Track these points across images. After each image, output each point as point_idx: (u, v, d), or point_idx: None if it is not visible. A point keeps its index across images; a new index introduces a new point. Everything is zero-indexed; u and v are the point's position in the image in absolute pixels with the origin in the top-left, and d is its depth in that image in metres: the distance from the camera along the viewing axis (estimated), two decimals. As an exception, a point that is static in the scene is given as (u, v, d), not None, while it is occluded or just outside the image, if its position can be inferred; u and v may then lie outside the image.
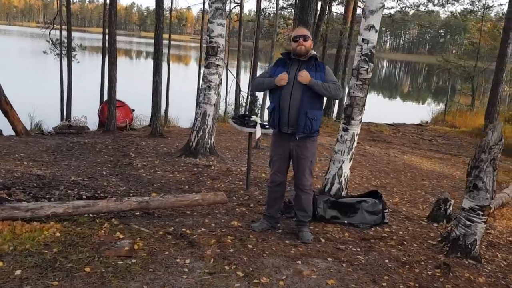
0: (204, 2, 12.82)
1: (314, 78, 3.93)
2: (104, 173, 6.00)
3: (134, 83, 21.67)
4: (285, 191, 4.43)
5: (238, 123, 5.54)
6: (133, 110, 12.33)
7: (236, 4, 15.03)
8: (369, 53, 5.18)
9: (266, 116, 13.05)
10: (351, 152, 5.43)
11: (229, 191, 5.61)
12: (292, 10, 15.74)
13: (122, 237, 3.70)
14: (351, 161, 5.53)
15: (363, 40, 5.16)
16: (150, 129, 9.73)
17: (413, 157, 10.75)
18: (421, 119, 19.39)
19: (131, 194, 5.05)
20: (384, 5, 5.21)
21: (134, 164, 6.62)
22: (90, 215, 4.05)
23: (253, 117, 5.65)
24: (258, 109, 14.89)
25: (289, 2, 16.10)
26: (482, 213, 4.33)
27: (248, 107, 14.71)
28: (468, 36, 21.53)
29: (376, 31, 5.15)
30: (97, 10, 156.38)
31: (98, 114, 12.11)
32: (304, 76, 3.90)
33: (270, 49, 10.26)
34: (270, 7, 17.44)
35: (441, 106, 23.35)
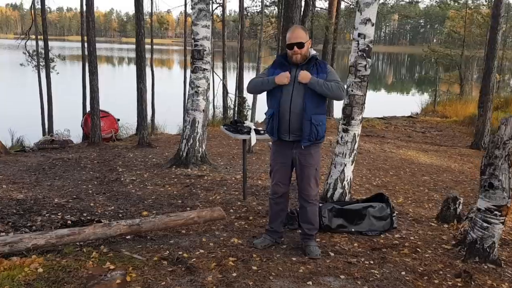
0: (185, 4, 12.42)
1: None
2: (90, 192, 5.60)
3: (117, 91, 21.18)
4: (288, 202, 4.09)
5: (231, 130, 5.19)
6: (118, 119, 11.89)
7: (218, 5, 14.68)
8: (367, 48, 4.87)
9: (257, 118, 12.74)
10: (353, 154, 5.12)
11: (225, 203, 5.26)
12: (275, 8, 15.45)
13: (113, 267, 3.33)
14: (354, 163, 5.21)
15: (359, 35, 4.85)
16: (137, 139, 9.32)
17: (409, 151, 10.50)
18: (411, 111, 19.20)
19: (120, 215, 4.67)
20: (379, -3, 4.90)
21: (122, 179, 6.23)
22: (77, 243, 3.67)
23: (246, 123, 5.30)
24: (247, 111, 14.54)
25: (272, 0, 15.80)
26: (499, 214, 4.04)
27: (236, 109, 14.35)
28: (451, 25, 21.41)
29: (373, 25, 4.84)
30: (75, 18, 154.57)
31: (81, 126, 11.65)
32: (304, 74, 3.56)
33: (257, 48, 9.91)
34: (252, 6, 17.11)
35: (428, 96, 23.30)
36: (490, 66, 11.23)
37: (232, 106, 14.35)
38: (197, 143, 6.83)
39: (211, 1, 6.87)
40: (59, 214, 4.62)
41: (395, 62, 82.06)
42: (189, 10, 13.66)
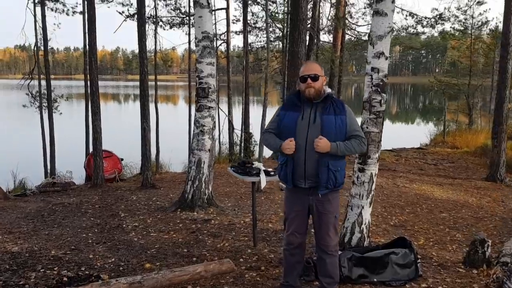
0: (189, 41, 12.40)
1: (334, 124, 3.29)
2: (90, 241, 5.24)
3: (122, 128, 21.06)
4: (304, 253, 3.71)
5: (239, 172, 4.87)
6: (122, 159, 11.64)
7: (223, 41, 14.64)
8: (381, 83, 4.59)
9: (265, 153, 12.43)
10: (370, 195, 4.77)
11: (235, 251, 4.87)
12: (279, 43, 15.42)
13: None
14: (372, 205, 4.85)
15: (372, 69, 4.58)
16: (141, 179, 9.00)
17: (423, 186, 10.10)
18: (420, 142, 18.85)
19: (121, 268, 4.30)
20: (392, 29, 4.66)
21: (124, 225, 5.88)
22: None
23: (256, 164, 4.98)
24: (254, 146, 14.27)
25: (276, 35, 15.81)
26: (540, 261, 3.64)
27: (243, 145, 14.10)
28: (457, 55, 21.38)
29: (387, 58, 4.58)
30: (82, 57, 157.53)
31: (84, 167, 11.39)
32: (323, 145, 3.22)
33: (264, 84, 9.72)
34: (256, 42, 17.16)
35: (433, 125, 23.01)
36: (502, 95, 10.96)
37: (238, 142, 14.10)
38: (203, 185, 6.50)
39: (215, 38, 6.72)
40: (55, 269, 4.26)
41: (398, 92, 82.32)
42: (193, 47, 13.65)
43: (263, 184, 4.71)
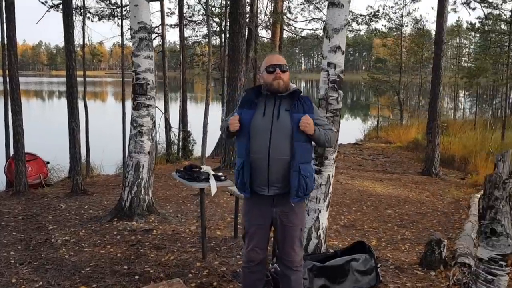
0: (122, 34, 11.54)
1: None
2: (12, 261, 4.53)
3: (46, 128, 19.56)
4: (265, 269, 3.33)
5: (186, 178, 4.40)
6: (48, 162, 10.61)
7: (157, 35, 13.87)
8: (338, 79, 4.32)
9: (207, 153, 11.89)
10: (327, 198, 4.49)
11: (182, 265, 4.40)
12: (217, 38, 14.93)
13: None
14: (329, 208, 4.58)
15: (329, 64, 4.29)
16: (70, 185, 8.19)
17: (365, 182, 10.14)
18: (356, 138, 19.22)
19: (51, 294, 3.69)
20: (349, 22, 4.40)
21: (52, 240, 5.18)
22: None
23: (204, 167, 4.54)
24: (192, 145, 13.72)
25: (213, 30, 15.29)
26: (505, 264, 3.52)
27: (181, 144, 13.50)
28: (388, 53, 22.06)
29: (343, 53, 4.31)
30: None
31: (4, 172, 10.24)
32: (311, 124, 2.89)
33: (201, 80, 9.23)
34: (193, 36, 16.54)
35: (361, 120, 23.74)
36: (436, 92, 11.25)
37: (176, 141, 13.47)
38: (142, 191, 5.93)
39: (152, 30, 6.20)
40: (-33, 301, 3.56)
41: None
42: (126, 40, 12.81)
43: (213, 191, 4.28)
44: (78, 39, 13.49)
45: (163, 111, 13.20)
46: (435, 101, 11.30)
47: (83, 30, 12.60)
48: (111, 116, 21.45)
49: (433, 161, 11.45)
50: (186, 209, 6.77)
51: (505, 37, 14.42)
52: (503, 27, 15.30)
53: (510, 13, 14.29)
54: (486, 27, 15.06)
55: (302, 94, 3.04)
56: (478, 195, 8.79)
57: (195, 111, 20.00)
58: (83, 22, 12.63)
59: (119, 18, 13.65)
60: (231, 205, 6.84)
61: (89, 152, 12.20)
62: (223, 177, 4.46)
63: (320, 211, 4.46)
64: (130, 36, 6.01)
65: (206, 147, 8.78)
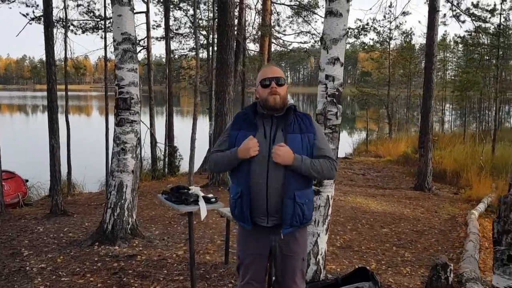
0: (105, 47, 11.14)
1: (300, 144, 2.61)
2: (-20, 294, 4.09)
3: (27, 144, 18.99)
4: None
5: (173, 201, 4.02)
6: (27, 180, 10.11)
7: (142, 48, 13.53)
8: (337, 93, 4.02)
9: (196, 167, 11.48)
10: (327, 221, 4.16)
11: (169, 296, 4.01)
12: (204, 51, 14.64)
13: None
14: (328, 232, 4.24)
15: (327, 77, 4.00)
16: (50, 205, 7.72)
17: (358, 198, 9.85)
18: (345, 152, 19.01)
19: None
20: (348, 32, 4.12)
21: (27, 268, 4.74)
22: None
23: (192, 189, 4.17)
24: (179, 161, 13.30)
25: (201, 42, 15.01)
26: (525, 294, 3.22)
27: (167, 160, 13.07)
28: (376, 66, 22.04)
29: (342, 65, 4.03)
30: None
31: (-20, 190, 9.72)
32: (283, 154, 2.52)
33: (188, 93, 8.90)
34: (179, 49, 16.23)
35: (347, 133, 23.60)
36: (427, 105, 11.10)
37: (162, 157, 13.05)
38: (126, 212, 5.53)
39: (136, 42, 5.86)
40: None
41: (314, 102, 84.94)
42: (109, 53, 12.42)
43: (203, 215, 3.91)
44: (60, 51, 13.10)
45: (149, 126, 12.81)
46: (427, 115, 11.13)
47: (65, 42, 12.21)
48: (94, 131, 20.93)
49: (425, 175, 11.24)
50: (173, 231, 6.38)
51: (493, 50, 14.43)
52: (489, 41, 15.35)
53: (497, 26, 14.30)
54: (476, 40, 15.09)
55: (297, 110, 2.70)
56: (475, 211, 8.56)
57: (181, 125, 19.62)
58: (65, 34, 12.24)
59: (103, 31, 13.29)
60: (221, 226, 6.47)
61: (71, 169, 11.70)
62: (213, 199, 4.10)
63: (319, 235, 4.12)
64: (113, 48, 5.66)
65: (194, 163, 8.41)
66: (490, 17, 13.79)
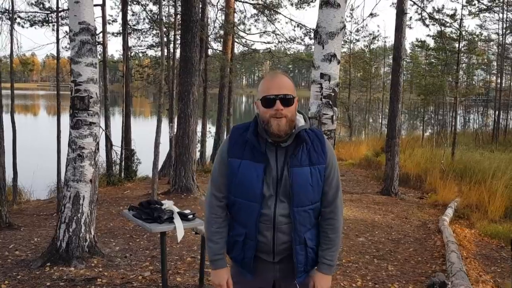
0: (58, 40, 10.12)
1: (309, 181, 2.06)
2: None
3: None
4: None
5: (143, 218, 3.42)
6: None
7: (98, 43, 12.56)
8: (333, 94, 3.57)
9: (147, 170, 10.74)
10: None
11: (138, 329, 3.40)
12: (165, 48, 13.84)
13: None
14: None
15: (322, 75, 3.53)
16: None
17: (327, 204, 9.47)
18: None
19: None
20: (345, 25, 3.67)
21: (-38, 298, 3.98)
22: None
23: (166, 203, 3.59)
24: (137, 166, 12.51)
25: (159, 40, 14.24)
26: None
27: (123, 164, 12.25)
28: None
29: (339, 62, 3.57)
30: None
31: None
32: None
33: (159, 94, 8.23)
34: (137, 45, 15.34)
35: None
36: (395, 109, 10.94)
37: (118, 161, 12.22)
38: (83, 228, 4.83)
39: (96, 33, 5.17)
40: None
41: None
42: (62, 49, 11.45)
43: (179, 236, 3.34)
44: (5, 45, 11.99)
45: (104, 128, 11.94)
46: (394, 118, 10.97)
47: (11, 36, 11.14)
48: (44, 132, 19.61)
49: (392, 180, 11.08)
50: (136, 246, 5.71)
51: (454, 54, 14.65)
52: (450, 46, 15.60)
53: (457, 30, 14.49)
54: (439, 44, 15.25)
55: (308, 131, 2.11)
56: (445, 217, 8.42)
57: (135, 127, 18.75)
58: (11, 27, 11.17)
59: (53, 24, 12.28)
60: (190, 239, 5.89)
61: (17, 174, 10.67)
62: (190, 216, 3.54)
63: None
64: (68, 40, 4.96)
65: (157, 170, 7.74)
66: (451, 23, 13.94)
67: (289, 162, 2.04)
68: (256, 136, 2.07)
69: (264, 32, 14.73)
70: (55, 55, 11.18)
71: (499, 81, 25.72)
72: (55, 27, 11.28)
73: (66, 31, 12.77)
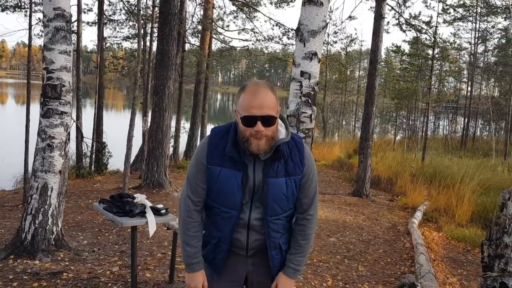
0: (30, 27, 9.78)
1: (284, 191, 2.03)
2: None
3: None
4: None
5: (115, 212, 3.33)
6: None
7: (72, 32, 12.20)
8: (312, 92, 3.55)
9: (118, 164, 10.50)
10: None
11: (104, 326, 3.31)
12: (141, 40, 13.59)
13: None
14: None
15: (302, 73, 3.51)
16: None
17: (299, 204, 9.51)
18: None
19: None
20: (327, 24, 3.66)
21: None
22: None
23: (138, 197, 3.50)
24: (107, 159, 12.26)
25: (135, 31, 14.01)
26: (516, 325, 2.94)
27: (94, 157, 11.98)
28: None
29: (319, 61, 3.56)
30: None
31: None
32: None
33: (134, 86, 8.06)
34: (112, 36, 15.01)
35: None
36: (369, 111, 11.06)
37: (88, 154, 11.93)
38: (50, 220, 4.68)
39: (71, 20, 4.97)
40: None
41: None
42: (34, 38, 11.10)
43: (151, 231, 3.26)
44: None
45: (75, 119, 11.64)
46: (368, 121, 11.10)
47: (-20, 20, 10.73)
48: (11, 121, 19.03)
49: (364, 182, 11.22)
50: (104, 241, 5.58)
51: (428, 61, 14.96)
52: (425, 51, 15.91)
53: (432, 36, 14.78)
54: (414, 50, 15.53)
55: (288, 143, 2.05)
56: (415, 220, 8.56)
57: (107, 119, 18.40)
58: (-19, 10, 10.77)
59: (27, 10, 11.90)
60: (161, 235, 5.79)
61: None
62: (163, 210, 3.46)
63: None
64: (42, 25, 4.79)
65: (130, 163, 7.58)
66: (426, 29, 14.21)
67: (265, 172, 2.01)
68: (235, 146, 2.00)
69: (243, 30, 14.67)
70: (27, 42, 10.83)
71: (469, 89, 26.45)
72: (28, 12, 10.92)
73: (39, 18, 12.42)
